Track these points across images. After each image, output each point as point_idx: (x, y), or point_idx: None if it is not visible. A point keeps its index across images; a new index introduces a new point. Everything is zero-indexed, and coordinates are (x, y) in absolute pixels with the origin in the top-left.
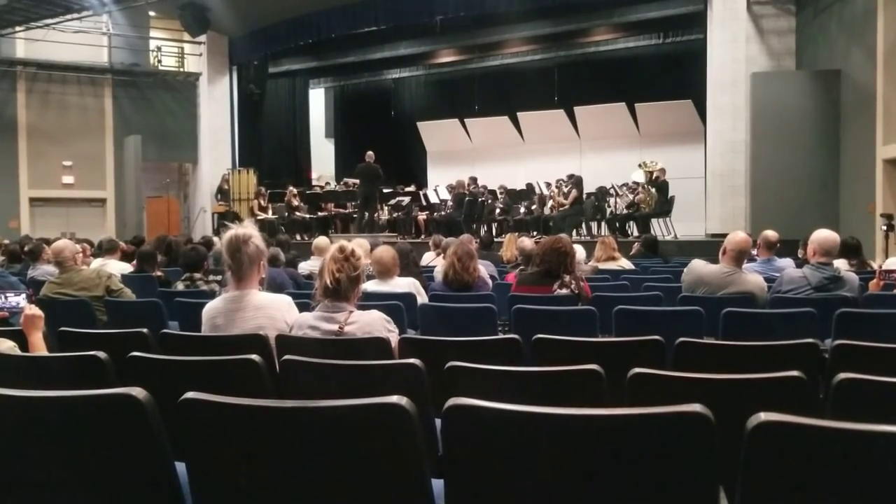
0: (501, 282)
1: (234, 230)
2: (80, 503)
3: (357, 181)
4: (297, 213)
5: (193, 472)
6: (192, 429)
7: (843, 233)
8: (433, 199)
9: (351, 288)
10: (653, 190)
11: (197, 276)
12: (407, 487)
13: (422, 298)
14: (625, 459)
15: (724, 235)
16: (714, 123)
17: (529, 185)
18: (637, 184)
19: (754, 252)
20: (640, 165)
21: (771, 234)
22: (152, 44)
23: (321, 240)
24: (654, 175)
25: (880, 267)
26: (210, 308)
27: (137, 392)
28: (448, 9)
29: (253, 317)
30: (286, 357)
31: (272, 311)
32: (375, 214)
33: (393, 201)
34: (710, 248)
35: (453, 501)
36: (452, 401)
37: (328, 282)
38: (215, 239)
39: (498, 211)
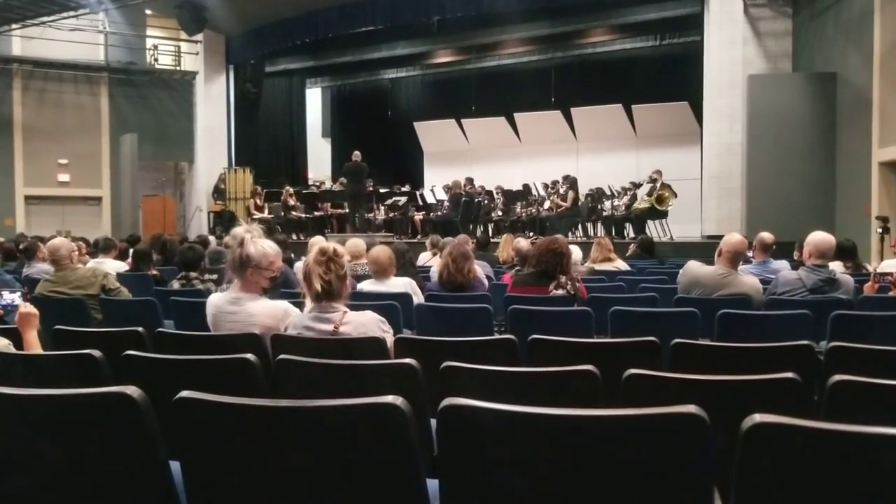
0: (498, 282)
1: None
2: (74, 502)
3: (343, 179)
4: (294, 213)
5: (188, 472)
6: (186, 428)
7: (838, 235)
8: (430, 200)
9: (341, 287)
10: (653, 196)
11: (193, 275)
12: (402, 487)
13: (418, 298)
14: (620, 460)
15: (720, 237)
16: (711, 125)
17: (526, 186)
18: (634, 184)
19: (750, 254)
20: (653, 180)
21: (767, 236)
22: (149, 42)
23: (317, 239)
24: (657, 188)
25: (875, 269)
26: (210, 303)
27: (132, 391)
28: (445, 9)
29: (244, 321)
30: (281, 356)
31: (264, 320)
32: (372, 214)
33: (389, 201)
34: (706, 249)
35: (448, 502)
36: (448, 401)
37: (319, 287)
38: (211, 238)
39: (494, 212)
